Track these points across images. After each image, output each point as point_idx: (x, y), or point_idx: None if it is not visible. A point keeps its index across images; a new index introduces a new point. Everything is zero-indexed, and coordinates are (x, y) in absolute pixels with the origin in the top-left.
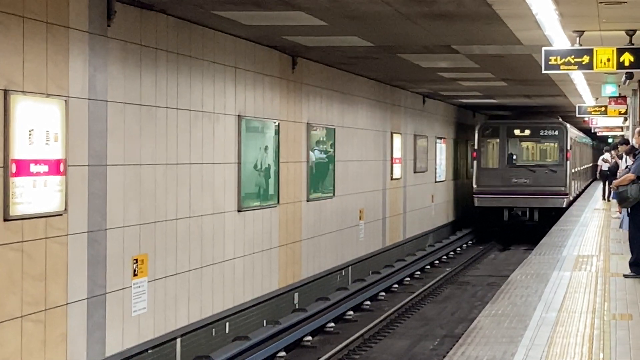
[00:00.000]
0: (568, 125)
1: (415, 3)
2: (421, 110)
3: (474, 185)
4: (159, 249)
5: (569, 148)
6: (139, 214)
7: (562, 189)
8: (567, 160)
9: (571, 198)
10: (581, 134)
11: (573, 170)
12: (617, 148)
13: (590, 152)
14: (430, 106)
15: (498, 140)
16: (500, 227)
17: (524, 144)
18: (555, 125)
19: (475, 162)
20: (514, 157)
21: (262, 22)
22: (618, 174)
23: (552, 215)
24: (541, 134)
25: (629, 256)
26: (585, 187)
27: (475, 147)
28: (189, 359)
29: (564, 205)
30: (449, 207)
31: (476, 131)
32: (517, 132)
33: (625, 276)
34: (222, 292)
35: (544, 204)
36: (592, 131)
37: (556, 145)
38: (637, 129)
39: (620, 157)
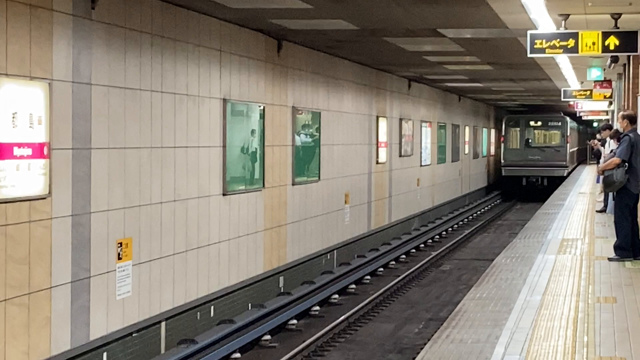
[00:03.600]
0: (567, 118)
1: None
2: (407, 94)
3: (502, 161)
4: (144, 233)
5: (568, 134)
6: (123, 197)
7: (564, 163)
8: (567, 143)
9: (569, 169)
10: (575, 123)
11: (570, 150)
12: (600, 133)
13: (580, 136)
14: (415, 90)
15: (519, 128)
16: (520, 190)
17: (537, 131)
18: (559, 118)
19: (502, 144)
20: (530, 140)
21: (247, 5)
22: (602, 159)
23: (556, 182)
24: (549, 124)
25: (613, 240)
26: (578, 163)
27: (503, 133)
28: (174, 343)
29: (565, 174)
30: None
31: (503, 122)
32: (532, 123)
33: (610, 259)
34: (207, 275)
35: (551, 174)
36: (577, 115)
37: (559, 132)
38: (620, 114)
39: (603, 144)
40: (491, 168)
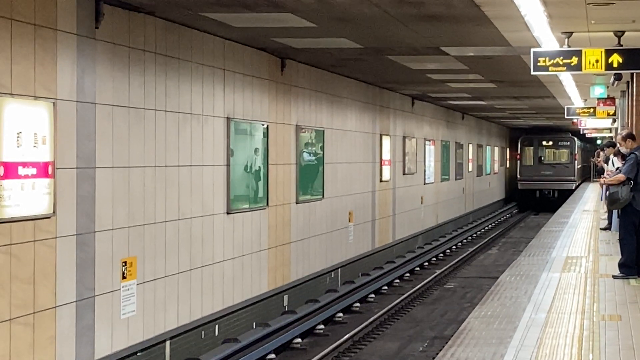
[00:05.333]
0: (575, 138)
1: (404, 5)
2: (410, 112)
3: (518, 176)
4: (148, 252)
5: (576, 152)
6: (127, 216)
7: (572, 177)
8: (575, 160)
9: (577, 183)
10: (582, 142)
11: (578, 166)
12: (604, 150)
13: (586, 154)
14: (419, 108)
15: (532, 147)
16: (534, 201)
17: (548, 150)
18: (568, 138)
19: (519, 161)
20: (542, 158)
21: (250, 24)
22: (605, 175)
23: (566, 194)
24: (559, 144)
25: (617, 257)
26: (584, 179)
27: (519, 152)
28: None
29: (573, 188)
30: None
31: (519, 142)
32: (544, 142)
33: (615, 277)
34: (211, 294)
35: (561, 187)
36: (581, 132)
37: (568, 151)
38: (619, 136)
39: (606, 162)
40: (496, 185)
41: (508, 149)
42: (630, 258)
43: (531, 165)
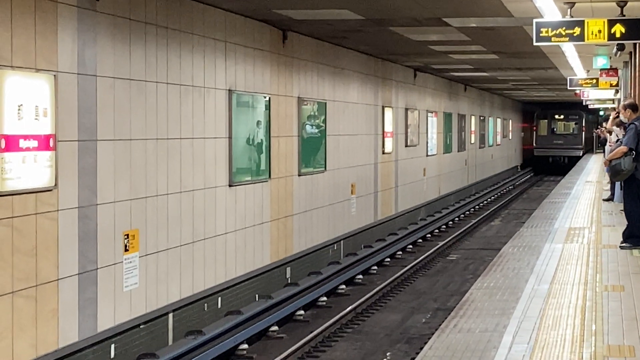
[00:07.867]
0: (583, 113)
1: None
2: (412, 84)
3: (534, 144)
4: (150, 224)
5: (583, 125)
6: (129, 189)
7: (580, 146)
8: (582, 131)
9: (584, 151)
10: (589, 115)
11: (585, 137)
12: (607, 121)
13: (592, 125)
14: (421, 80)
15: (547, 120)
16: (548, 166)
17: (560, 123)
18: (577, 113)
19: (535, 132)
20: (555, 129)
21: None
22: (607, 147)
23: (574, 160)
24: (569, 117)
25: (620, 228)
26: (589, 149)
27: (535, 124)
28: (181, 334)
29: (580, 154)
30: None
31: (535, 115)
32: (556, 116)
33: (622, 247)
34: (213, 267)
35: (570, 154)
36: (584, 104)
37: (577, 124)
38: (621, 104)
39: (610, 133)
40: (499, 157)
41: (511, 121)
42: (637, 228)
43: (545, 136)
